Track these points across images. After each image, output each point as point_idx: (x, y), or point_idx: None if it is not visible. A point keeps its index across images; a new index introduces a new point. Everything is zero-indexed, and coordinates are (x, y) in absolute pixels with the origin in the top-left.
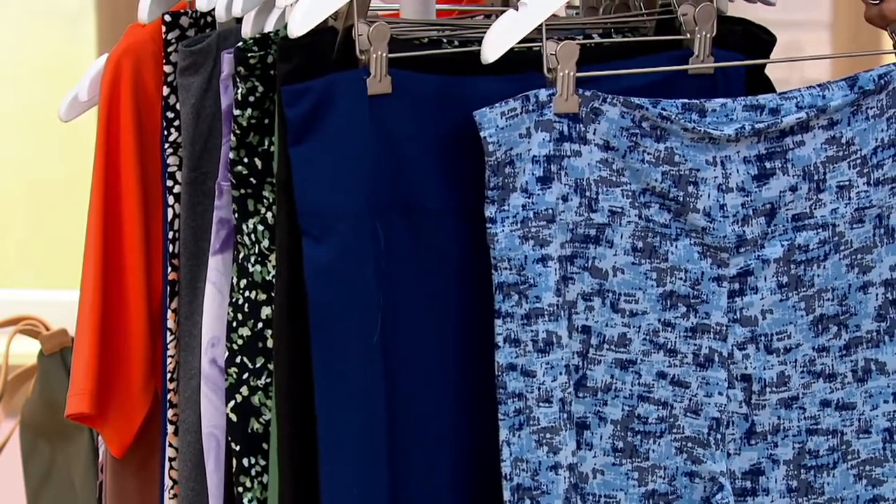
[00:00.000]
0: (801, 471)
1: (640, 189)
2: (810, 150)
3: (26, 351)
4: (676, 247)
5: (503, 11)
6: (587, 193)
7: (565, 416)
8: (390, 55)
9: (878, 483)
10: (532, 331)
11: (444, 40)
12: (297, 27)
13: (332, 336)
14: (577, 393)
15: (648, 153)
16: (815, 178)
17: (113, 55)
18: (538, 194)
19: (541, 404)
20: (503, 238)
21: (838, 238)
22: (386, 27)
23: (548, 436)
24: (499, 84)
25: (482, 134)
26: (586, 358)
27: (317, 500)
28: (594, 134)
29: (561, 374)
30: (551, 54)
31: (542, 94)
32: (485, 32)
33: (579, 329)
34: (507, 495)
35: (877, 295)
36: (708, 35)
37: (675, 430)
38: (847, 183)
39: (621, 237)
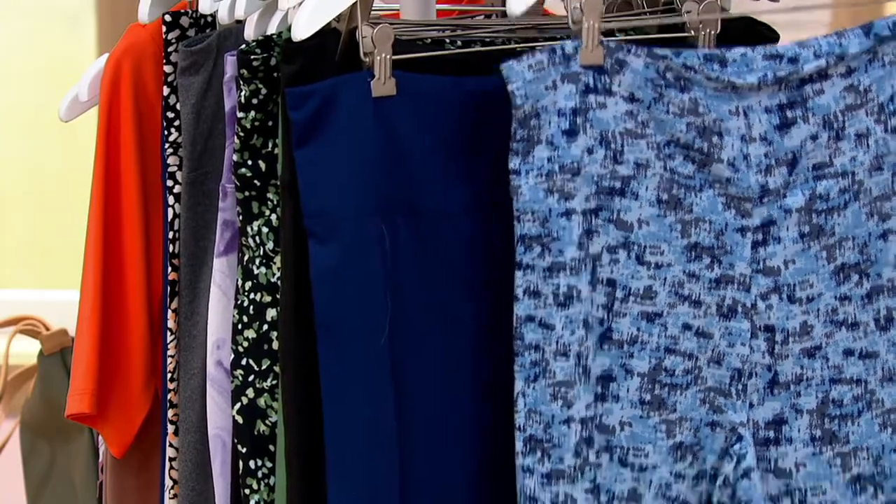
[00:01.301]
0: (826, 420)
1: (665, 141)
2: (829, 99)
3: (26, 351)
4: (701, 198)
5: (503, 11)
6: (612, 146)
7: (581, 370)
8: (394, 57)
9: None
10: (553, 284)
11: (447, 41)
12: (301, 30)
13: (338, 338)
14: (602, 346)
15: (673, 104)
16: (835, 126)
17: (113, 55)
18: (564, 147)
19: (558, 357)
20: (527, 190)
21: (858, 186)
22: (390, 29)
23: (563, 389)
24: (503, 84)
25: (509, 87)
26: (611, 311)
27: (324, 502)
28: (619, 86)
29: (579, 328)
30: (575, 7)
31: (569, 45)
32: (486, 33)
33: (604, 282)
34: (518, 446)
35: None
36: (712, 32)
37: (699, 382)
38: (865, 131)
39: (646, 189)
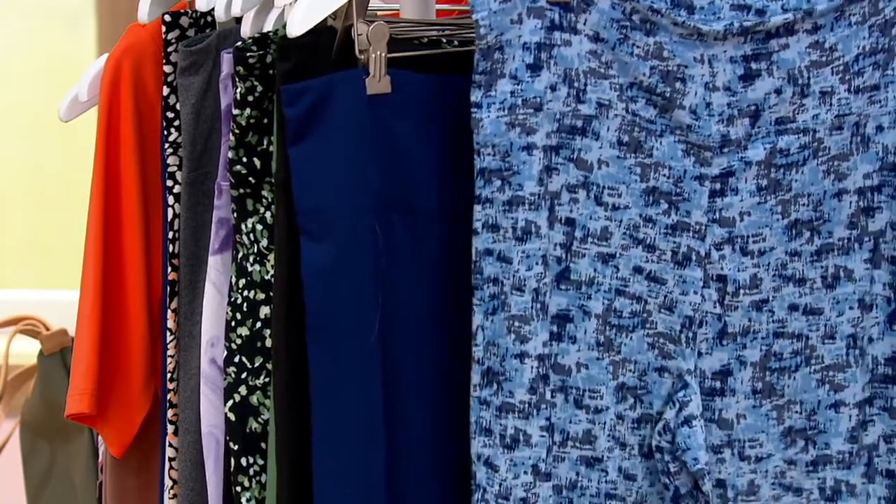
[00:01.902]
0: (766, 373)
1: (628, 83)
2: (794, 54)
3: (26, 351)
4: (661, 143)
5: None
6: (575, 84)
7: (538, 306)
8: (390, 55)
9: (839, 388)
10: (512, 218)
11: (444, 40)
12: (296, 26)
13: (329, 335)
14: (560, 285)
15: (638, 46)
16: (800, 82)
17: (113, 55)
18: (527, 81)
19: (514, 292)
20: (488, 123)
21: (817, 144)
22: (385, 27)
23: (517, 324)
24: None
25: (474, 16)
26: (570, 250)
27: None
28: (584, 24)
29: (537, 264)
30: None
31: None
32: None
33: (563, 221)
34: (475, 378)
35: (850, 203)
36: None
37: (647, 326)
38: (829, 89)
39: (607, 130)
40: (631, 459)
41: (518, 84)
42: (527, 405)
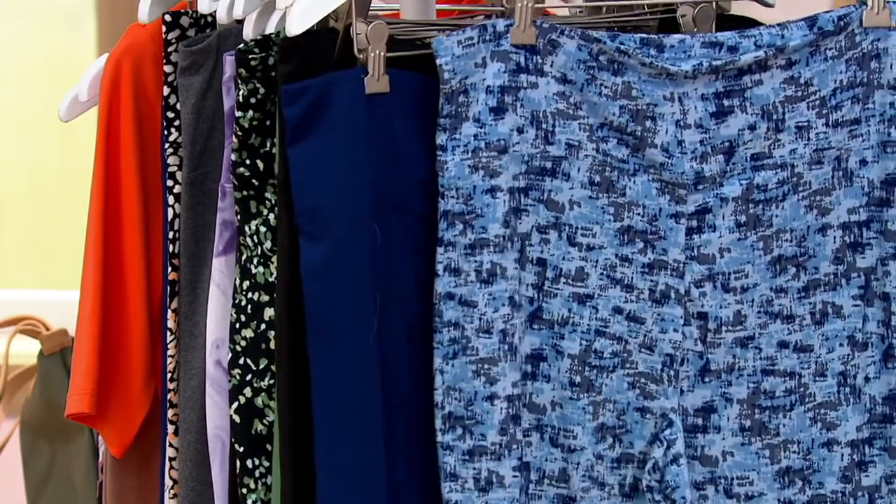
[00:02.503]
0: (756, 410)
1: (598, 123)
2: (769, 90)
3: (26, 351)
4: (634, 182)
5: (503, 11)
6: (543, 126)
7: (506, 347)
8: (388, 54)
9: (832, 427)
10: (476, 261)
11: None
12: (296, 25)
13: (327, 336)
14: (532, 325)
15: (606, 87)
16: (774, 117)
17: (113, 55)
18: (490, 125)
19: (481, 335)
20: (452, 166)
21: (797, 179)
22: (384, 26)
23: (486, 366)
24: None
25: (438, 62)
26: (542, 290)
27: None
28: (551, 66)
29: (504, 305)
30: None
31: (500, 24)
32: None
33: (534, 261)
34: (438, 423)
35: (835, 238)
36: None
37: (628, 366)
38: (806, 123)
39: (578, 171)
40: (611, 499)
41: (481, 127)
42: (498, 446)
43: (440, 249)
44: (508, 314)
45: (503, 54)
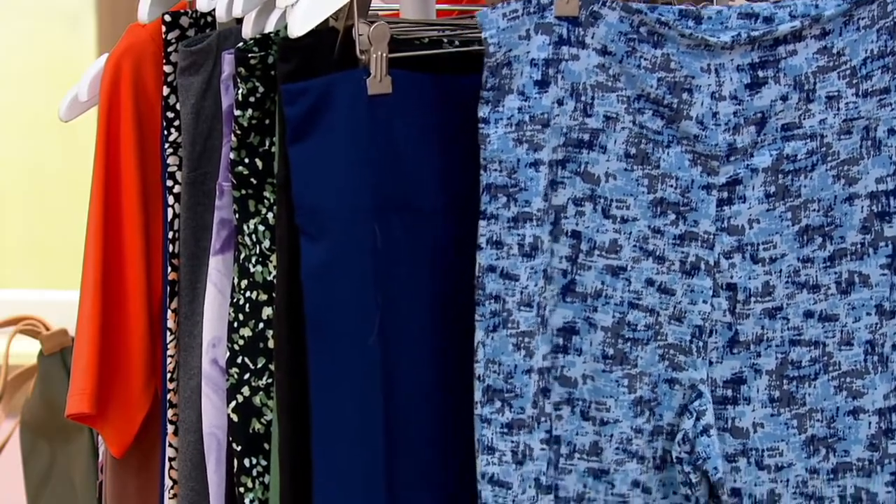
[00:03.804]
0: (784, 381)
1: (635, 95)
2: (802, 60)
3: (26, 351)
4: (668, 154)
5: None
6: (582, 98)
7: (540, 320)
8: (391, 55)
9: (857, 395)
10: (519, 234)
11: (445, 40)
12: (297, 27)
13: (327, 335)
14: (565, 298)
15: (645, 59)
16: (806, 87)
17: (113, 55)
18: (535, 98)
19: (522, 308)
20: (496, 139)
21: (826, 149)
22: (386, 27)
23: (525, 339)
24: None
25: (483, 35)
26: (575, 263)
27: None
28: (592, 38)
29: (541, 279)
30: None
31: None
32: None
33: (569, 234)
34: (477, 395)
35: (862, 207)
36: None
37: (659, 338)
38: (836, 93)
39: (615, 143)
40: (648, 472)
41: (526, 100)
42: (530, 419)
43: (482, 222)
44: (543, 287)
45: (547, 26)
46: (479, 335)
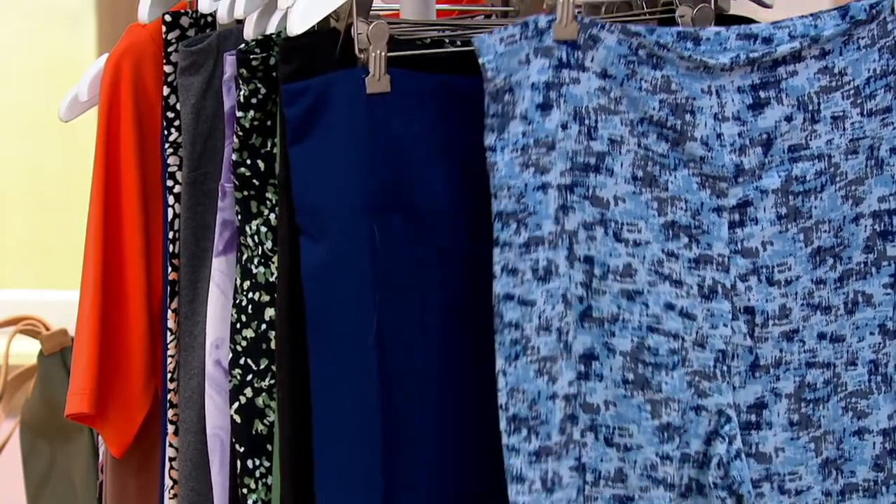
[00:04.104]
0: (802, 404)
1: (639, 118)
2: (803, 80)
3: (26, 351)
4: (675, 176)
5: (503, 11)
6: (586, 121)
7: (562, 345)
8: (389, 54)
9: (862, 415)
10: (531, 259)
11: (445, 40)
12: (297, 25)
13: (327, 335)
14: (583, 323)
15: (646, 81)
16: (810, 108)
17: (113, 55)
18: (538, 121)
19: (541, 333)
20: (503, 166)
21: (834, 169)
22: (385, 26)
23: (547, 365)
24: None
25: (481, 61)
26: (590, 288)
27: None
28: (592, 61)
29: (559, 303)
30: None
31: (542, 20)
32: (485, 32)
33: (582, 259)
34: (503, 424)
35: (866, 227)
36: None
37: (686, 364)
38: (841, 113)
39: (621, 166)
40: (675, 501)
41: (529, 124)
42: (559, 446)
43: (496, 250)
44: (563, 312)
45: (546, 50)
46: (499, 363)
